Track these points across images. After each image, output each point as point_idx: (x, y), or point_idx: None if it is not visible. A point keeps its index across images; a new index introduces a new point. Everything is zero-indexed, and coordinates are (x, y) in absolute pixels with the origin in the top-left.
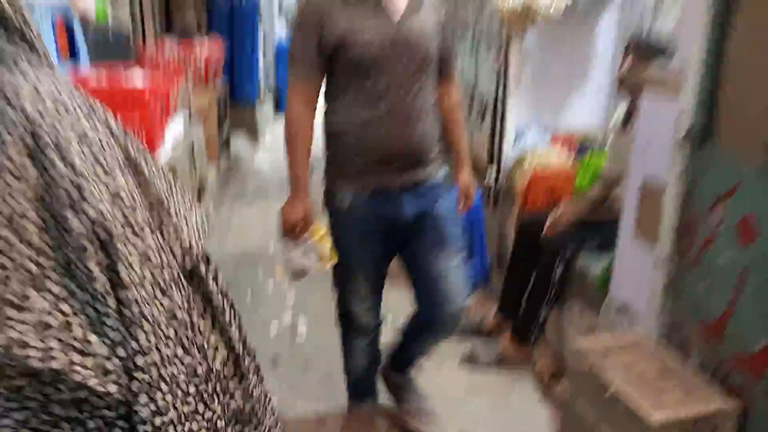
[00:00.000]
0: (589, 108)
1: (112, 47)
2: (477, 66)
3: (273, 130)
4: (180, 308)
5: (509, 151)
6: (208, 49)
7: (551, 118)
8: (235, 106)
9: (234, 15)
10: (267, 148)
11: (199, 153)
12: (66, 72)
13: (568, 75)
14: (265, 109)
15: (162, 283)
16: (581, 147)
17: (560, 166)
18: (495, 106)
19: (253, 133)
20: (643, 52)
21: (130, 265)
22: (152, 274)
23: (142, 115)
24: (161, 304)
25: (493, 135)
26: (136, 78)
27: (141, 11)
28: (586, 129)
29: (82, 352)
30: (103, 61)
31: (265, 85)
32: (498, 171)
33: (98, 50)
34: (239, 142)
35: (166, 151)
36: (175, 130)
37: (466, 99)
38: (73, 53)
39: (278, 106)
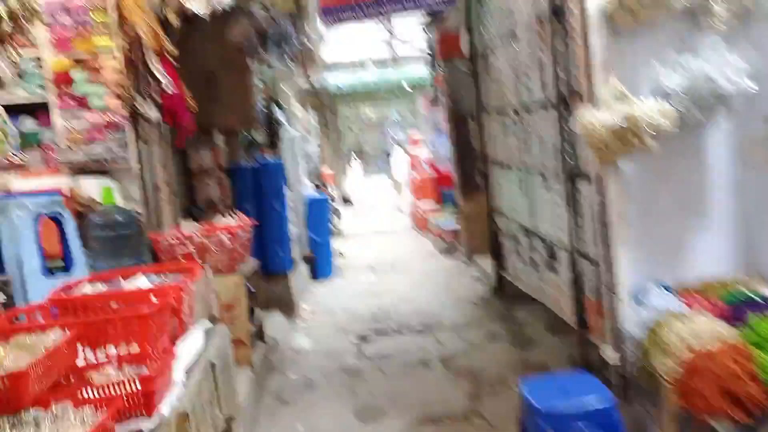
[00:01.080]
0: (716, 246)
1: (118, 243)
2: (532, 203)
3: (311, 301)
4: None
5: (627, 317)
6: (234, 227)
7: (669, 267)
8: (267, 277)
9: (258, 179)
10: (306, 324)
11: (223, 369)
12: (48, 289)
13: (681, 207)
14: (300, 277)
15: None
16: (734, 304)
17: (721, 338)
18: (573, 255)
19: (288, 307)
20: None
21: None
22: None
23: (142, 353)
24: None
25: (599, 298)
26: (139, 293)
27: (156, 194)
28: (720, 276)
29: None
30: (109, 260)
31: (299, 249)
32: (618, 344)
33: (104, 248)
34: (274, 320)
35: (172, 399)
36: (189, 349)
37: (520, 241)
38: (66, 258)
39: (315, 271)
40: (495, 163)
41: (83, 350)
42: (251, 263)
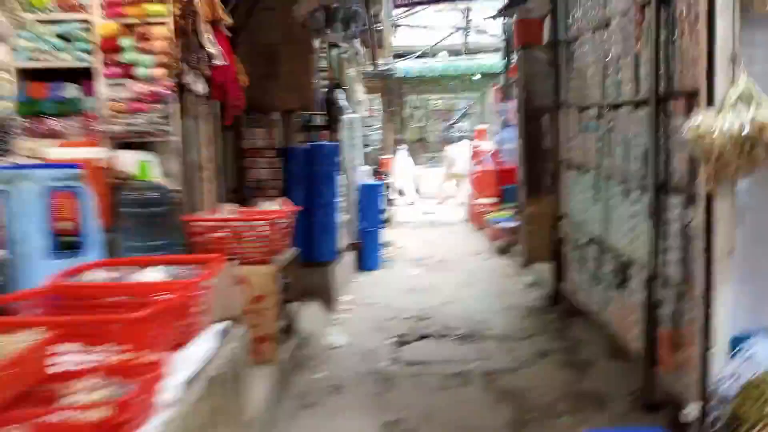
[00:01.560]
0: None
1: (150, 222)
2: (607, 213)
3: (354, 293)
4: None
5: (721, 366)
6: (274, 214)
7: None
8: (308, 266)
9: (311, 162)
10: (344, 318)
11: (232, 381)
12: (52, 272)
13: None
14: (343, 267)
15: None
16: None
17: None
18: (651, 278)
19: (327, 299)
20: None
21: None
22: None
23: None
24: None
25: (677, 331)
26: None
27: (198, 173)
28: None
29: None
30: (139, 239)
31: (346, 237)
32: (704, 398)
33: (134, 226)
34: (311, 312)
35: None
36: (195, 357)
37: (587, 252)
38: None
39: (360, 261)
40: (568, 164)
41: (66, 353)
42: (290, 252)
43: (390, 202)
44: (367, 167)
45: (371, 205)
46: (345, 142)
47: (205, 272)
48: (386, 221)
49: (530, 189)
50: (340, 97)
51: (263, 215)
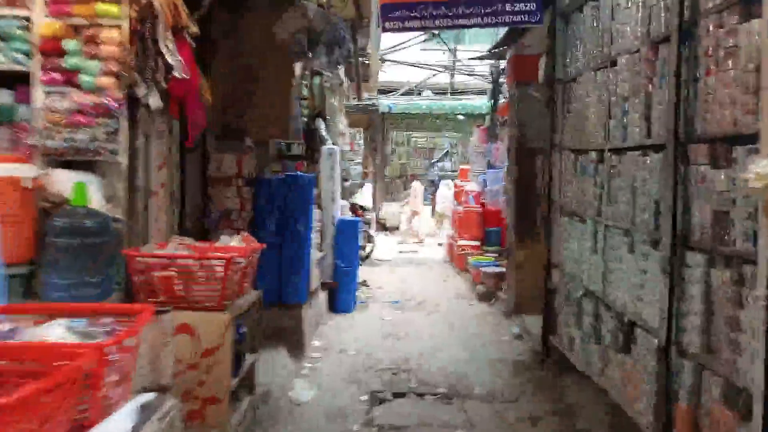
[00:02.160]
0: None
1: (83, 255)
2: (608, 266)
3: (325, 337)
4: None
5: None
6: (235, 251)
7: None
8: (275, 307)
9: (285, 194)
10: (313, 367)
11: None
12: None
13: None
14: (315, 309)
15: None
16: None
17: None
18: (666, 345)
19: (295, 345)
20: None
21: None
22: None
23: None
24: None
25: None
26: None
27: (148, 199)
28: None
29: None
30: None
31: (320, 275)
32: None
33: (63, 258)
34: (276, 360)
35: None
36: None
37: (583, 307)
38: None
39: (333, 302)
40: (562, 209)
41: None
42: (251, 296)
43: (369, 238)
44: (346, 202)
45: (348, 242)
46: (323, 175)
47: (125, 329)
48: (363, 259)
49: (520, 233)
50: (321, 127)
51: (219, 253)
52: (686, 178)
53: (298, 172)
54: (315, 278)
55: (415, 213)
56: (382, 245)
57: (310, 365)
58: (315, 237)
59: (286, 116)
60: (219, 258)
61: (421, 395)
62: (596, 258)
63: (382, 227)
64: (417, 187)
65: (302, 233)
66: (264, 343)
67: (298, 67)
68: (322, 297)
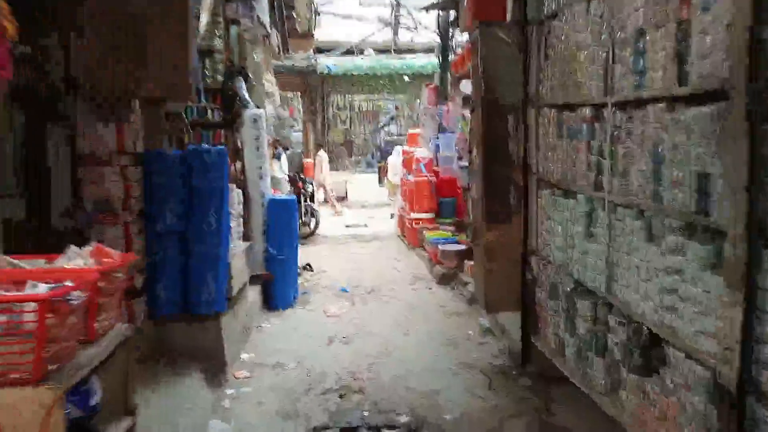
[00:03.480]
0: None
1: None
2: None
3: (256, 348)
4: None
5: None
6: (68, 278)
7: None
8: (184, 320)
9: (188, 174)
10: (236, 395)
11: None
12: None
13: None
14: (240, 315)
15: None
16: None
17: None
18: (741, 383)
19: (213, 366)
20: None
21: None
22: None
23: None
24: None
25: None
26: None
27: None
28: None
29: None
30: None
31: (250, 267)
32: None
33: None
34: (184, 391)
35: None
36: None
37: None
38: None
39: (270, 298)
40: (543, 182)
41: None
42: (114, 335)
43: (313, 213)
44: (284, 175)
45: (283, 225)
46: (248, 145)
47: None
48: (307, 236)
49: (490, 212)
50: (241, 87)
51: (47, 278)
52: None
53: (205, 145)
54: (239, 276)
55: (320, 186)
56: (328, 219)
57: (233, 393)
58: (236, 224)
59: (183, 71)
60: (23, 299)
61: (377, 430)
62: (594, 246)
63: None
64: (321, 156)
65: (215, 223)
66: (164, 370)
67: (204, 13)
68: (254, 294)
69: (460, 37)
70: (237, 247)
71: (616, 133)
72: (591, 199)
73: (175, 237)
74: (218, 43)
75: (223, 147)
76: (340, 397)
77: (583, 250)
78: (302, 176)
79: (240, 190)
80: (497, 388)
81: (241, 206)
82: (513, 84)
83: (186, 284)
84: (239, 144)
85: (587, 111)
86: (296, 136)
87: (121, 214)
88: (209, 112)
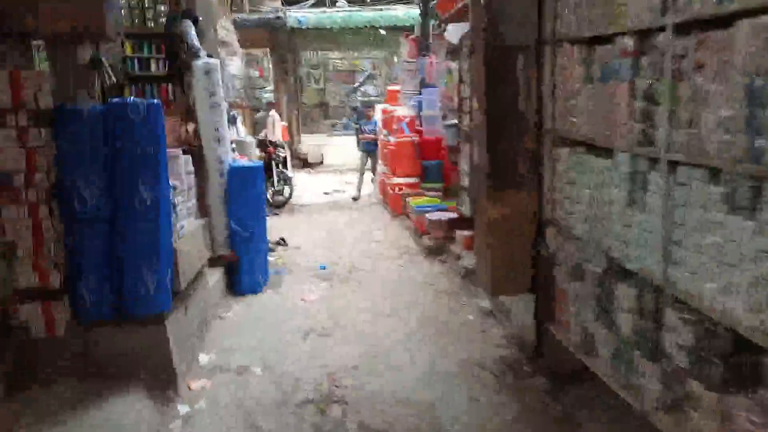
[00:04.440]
0: None
1: None
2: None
3: (217, 346)
4: None
5: None
6: None
7: None
8: (120, 324)
9: (112, 136)
10: (191, 419)
11: None
12: None
13: None
14: (193, 310)
15: None
16: None
17: None
18: None
19: (159, 379)
20: None
21: None
22: None
23: None
24: None
25: None
26: None
27: None
28: None
29: None
30: None
31: (212, 246)
32: None
33: None
34: (122, 412)
35: None
36: None
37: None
38: None
39: (235, 281)
40: (562, 140)
41: None
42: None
43: (286, 180)
44: (251, 138)
45: (248, 197)
46: (200, 102)
47: None
48: (281, 206)
49: (495, 181)
50: (189, 32)
51: None
52: None
53: (131, 99)
54: (190, 263)
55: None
56: (304, 186)
57: (186, 412)
58: (183, 198)
59: None
60: None
61: None
62: (642, 218)
63: (303, 163)
64: (273, 115)
65: (149, 199)
66: (94, 388)
67: None
68: (215, 279)
69: None
70: (187, 226)
71: (677, 66)
72: (636, 157)
73: (101, 220)
74: None
75: (156, 100)
76: (318, 411)
77: (625, 221)
78: (273, 140)
79: (189, 156)
80: (508, 392)
81: (192, 176)
82: (522, 19)
83: (118, 280)
84: (190, 102)
85: (629, 41)
86: (267, 97)
87: (24, 193)
88: (153, 63)
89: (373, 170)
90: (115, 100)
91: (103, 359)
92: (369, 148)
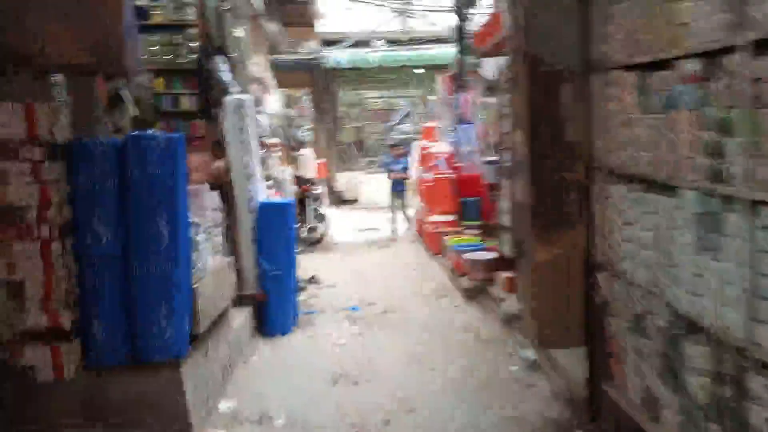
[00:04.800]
0: None
1: None
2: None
3: (240, 392)
4: None
5: None
6: None
7: None
8: (133, 369)
9: (128, 171)
10: None
11: None
12: None
13: None
14: (214, 356)
15: None
16: None
17: None
18: None
19: (173, 429)
20: None
21: None
22: None
23: None
24: None
25: None
26: None
27: None
28: None
29: None
30: None
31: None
32: None
33: None
34: None
35: None
36: None
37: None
38: None
39: (264, 322)
40: (617, 173)
41: None
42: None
43: (320, 217)
44: (288, 175)
45: (278, 234)
46: (230, 137)
47: None
48: (314, 243)
49: (540, 216)
50: (221, 68)
51: None
52: None
53: (155, 132)
54: (212, 304)
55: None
56: (339, 223)
57: None
58: (207, 235)
59: (114, 23)
60: None
61: None
62: (718, 266)
63: (339, 200)
64: (307, 154)
65: (167, 236)
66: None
67: None
68: (242, 319)
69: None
70: (211, 264)
71: (755, 91)
72: (706, 195)
73: (115, 258)
74: (191, 14)
75: (179, 133)
76: None
77: (695, 270)
78: (309, 177)
79: (215, 192)
80: None
81: (219, 212)
82: (567, 43)
83: (132, 322)
84: (220, 137)
85: (693, 65)
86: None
87: (35, 230)
88: (185, 99)
89: (403, 210)
90: (134, 133)
91: (113, 407)
92: (397, 189)
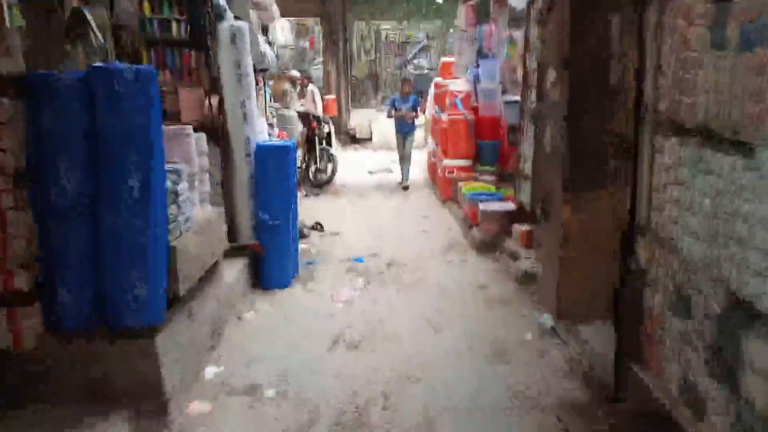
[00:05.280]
0: None
1: None
2: None
3: (228, 355)
4: None
5: None
6: None
7: None
8: (99, 338)
9: (95, 111)
10: None
11: None
12: None
13: None
14: (202, 320)
15: None
16: None
17: None
18: None
19: (148, 404)
20: None
21: None
22: None
23: None
24: None
25: None
26: None
27: None
28: None
29: None
30: None
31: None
32: None
33: None
34: None
35: None
36: None
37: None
38: None
39: (261, 274)
40: (671, 126)
41: None
42: None
43: (330, 158)
44: (294, 112)
45: (276, 181)
46: (225, 73)
47: None
48: (322, 185)
49: (574, 172)
50: None
51: None
52: None
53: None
54: (195, 262)
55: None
56: (349, 163)
57: None
58: (190, 184)
59: None
60: None
61: None
62: None
63: (352, 139)
64: (313, 89)
65: (138, 189)
66: (68, 413)
67: None
68: (235, 273)
69: None
70: (197, 216)
71: None
72: None
73: (82, 212)
74: None
75: (148, 66)
76: None
77: (766, 247)
78: (317, 114)
79: (203, 134)
80: None
81: (206, 157)
82: None
83: (98, 281)
84: (214, 71)
85: None
86: (317, 69)
87: None
88: (174, 25)
89: (408, 157)
90: (99, 65)
91: (79, 380)
92: (404, 130)
